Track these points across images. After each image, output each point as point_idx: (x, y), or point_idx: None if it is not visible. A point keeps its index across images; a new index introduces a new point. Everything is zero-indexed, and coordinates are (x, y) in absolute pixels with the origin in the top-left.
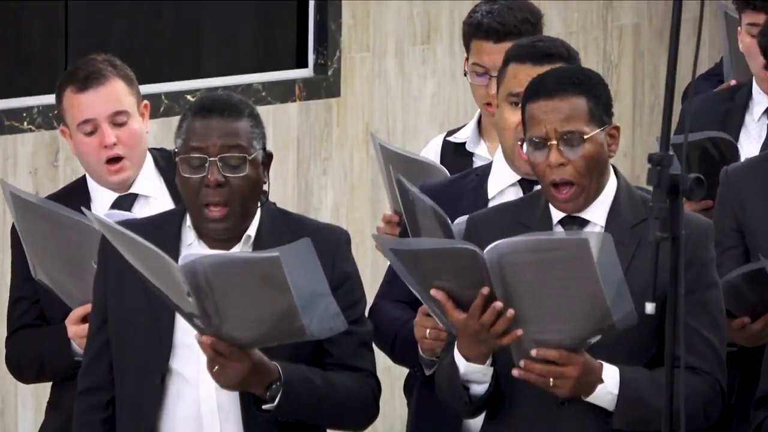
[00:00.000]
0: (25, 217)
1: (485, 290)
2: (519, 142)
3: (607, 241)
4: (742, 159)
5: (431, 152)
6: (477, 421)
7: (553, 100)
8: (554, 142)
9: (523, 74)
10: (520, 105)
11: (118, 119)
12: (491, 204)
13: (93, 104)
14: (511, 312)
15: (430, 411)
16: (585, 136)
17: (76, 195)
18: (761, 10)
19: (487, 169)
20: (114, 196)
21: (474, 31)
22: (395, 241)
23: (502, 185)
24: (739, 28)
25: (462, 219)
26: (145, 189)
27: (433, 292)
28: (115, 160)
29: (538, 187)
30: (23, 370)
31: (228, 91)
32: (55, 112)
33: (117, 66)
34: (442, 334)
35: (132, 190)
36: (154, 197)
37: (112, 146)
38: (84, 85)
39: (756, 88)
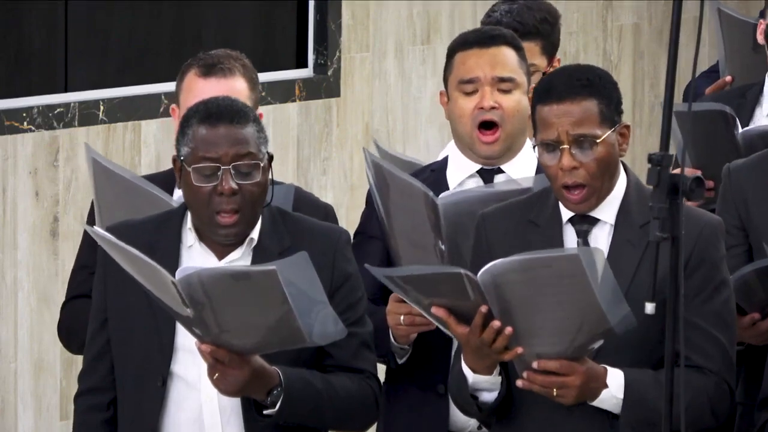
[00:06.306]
0: (103, 185)
1: (484, 308)
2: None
3: (597, 253)
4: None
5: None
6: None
7: (564, 103)
8: (566, 146)
9: (472, 59)
10: (472, 91)
11: None
12: None
13: (209, 93)
14: (509, 330)
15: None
16: (598, 140)
17: (161, 182)
18: None
19: (442, 164)
20: None
21: None
22: (387, 270)
23: (462, 176)
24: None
25: (445, 194)
26: None
27: (434, 309)
28: None
29: (500, 177)
30: (71, 338)
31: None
32: (56, 111)
33: (246, 66)
34: (416, 319)
35: None
36: None
37: None
38: (208, 72)
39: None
